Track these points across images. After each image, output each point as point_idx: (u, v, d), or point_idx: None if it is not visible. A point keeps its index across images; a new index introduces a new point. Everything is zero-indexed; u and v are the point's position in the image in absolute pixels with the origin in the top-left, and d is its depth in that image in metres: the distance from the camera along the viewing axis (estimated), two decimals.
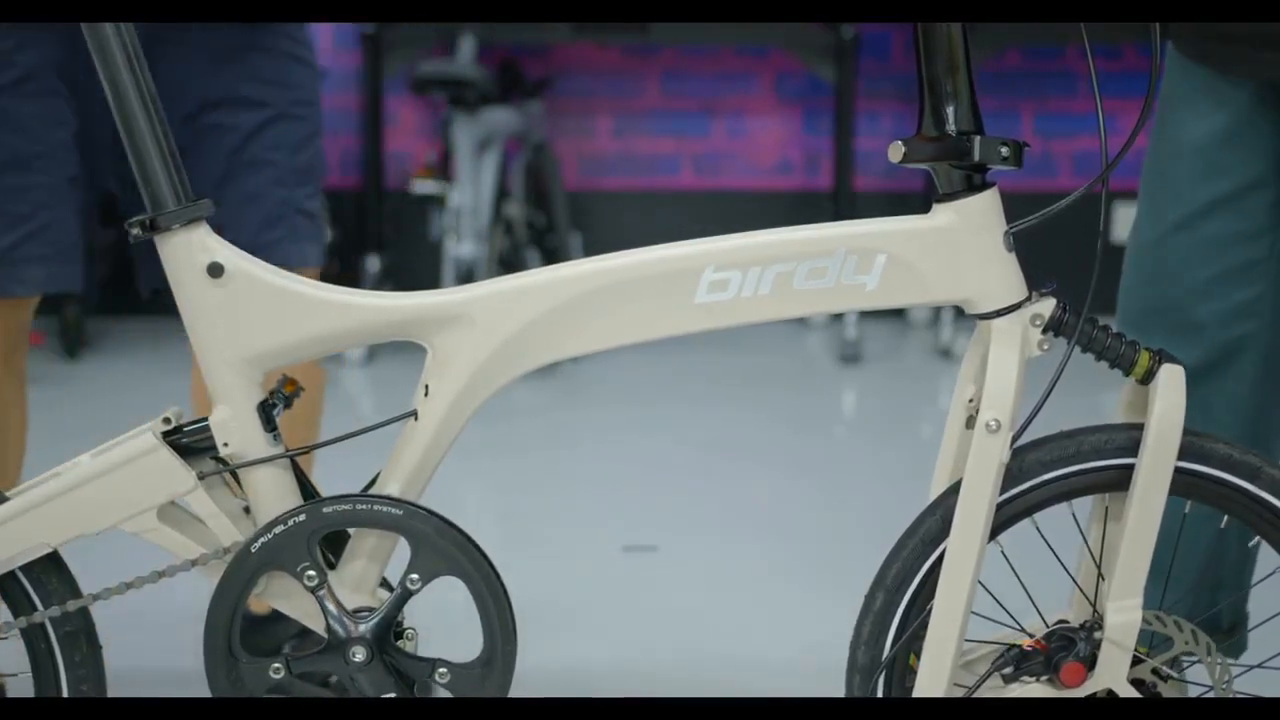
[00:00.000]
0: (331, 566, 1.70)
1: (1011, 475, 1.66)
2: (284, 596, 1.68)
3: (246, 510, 1.70)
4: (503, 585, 1.66)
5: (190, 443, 1.68)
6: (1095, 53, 1.64)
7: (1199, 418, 1.75)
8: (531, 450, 4.16)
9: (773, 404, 4.67)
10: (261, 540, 1.64)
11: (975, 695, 1.67)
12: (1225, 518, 1.72)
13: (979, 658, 1.73)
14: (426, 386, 1.66)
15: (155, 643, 2.58)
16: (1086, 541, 1.74)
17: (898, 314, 5.56)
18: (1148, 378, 1.65)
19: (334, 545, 1.71)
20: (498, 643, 1.66)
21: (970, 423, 1.65)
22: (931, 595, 1.64)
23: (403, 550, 1.68)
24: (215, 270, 1.64)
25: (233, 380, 1.66)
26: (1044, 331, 1.63)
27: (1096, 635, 1.66)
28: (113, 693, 1.76)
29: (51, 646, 1.71)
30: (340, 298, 1.66)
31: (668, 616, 3.00)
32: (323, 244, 2.31)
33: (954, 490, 1.64)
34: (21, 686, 1.75)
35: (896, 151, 1.61)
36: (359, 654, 1.65)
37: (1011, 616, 1.74)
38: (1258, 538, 1.72)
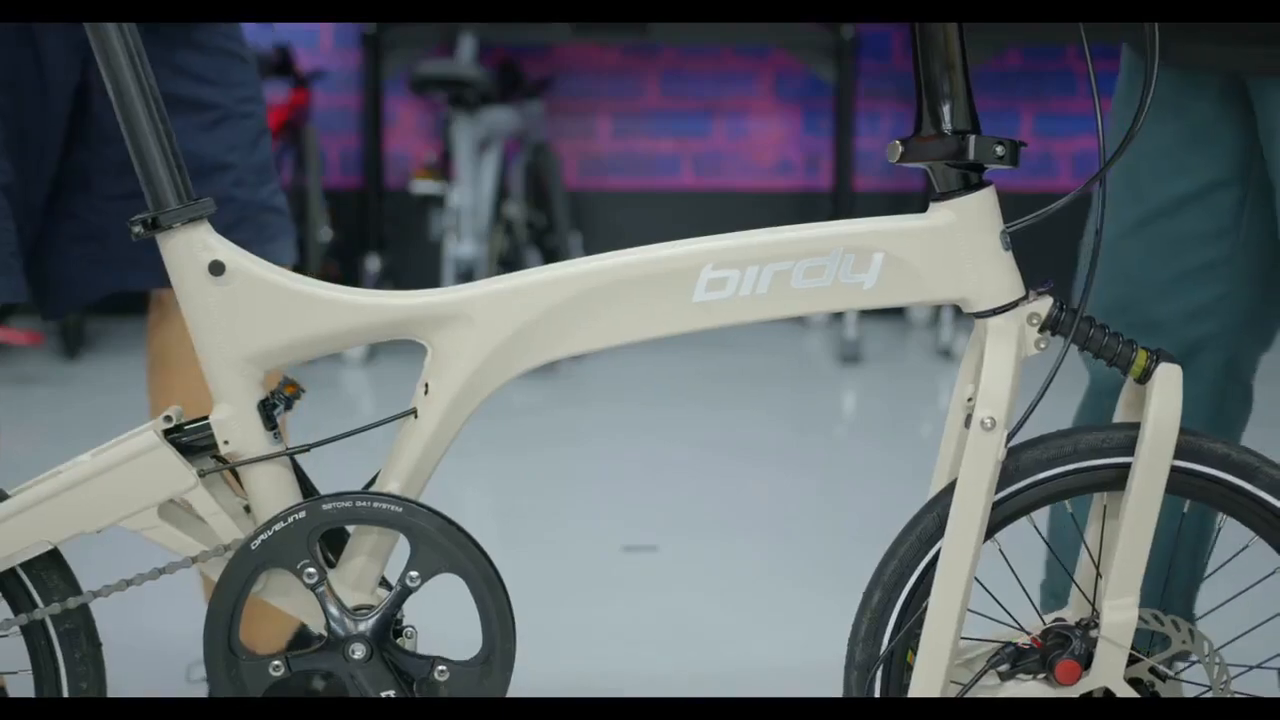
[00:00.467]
0: (331, 565, 1.70)
1: (1008, 474, 1.66)
2: (283, 594, 1.69)
3: (247, 509, 1.70)
4: (502, 583, 1.67)
5: (191, 441, 1.68)
6: (1094, 53, 1.65)
7: None
8: (531, 449, 4.17)
9: (773, 404, 4.68)
10: (261, 538, 1.64)
11: (971, 693, 1.68)
12: (1186, 505, 1.73)
13: (977, 656, 1.73)
14: (426, 385, 1.66)
15: (155, 643, 2.58)
16: (1084, 540, 1.74)
17: (898, 314, 5.56)
18: (1145, 376, 1.65)
19: (334, 544, 1.72)
20: (497, 641, 1.67)
21: (969, 422, 1.65)
22: (928, 592, 1.65)
23: (402, 550, 1.68)
24: (216, 269, 1.64)
25: (233, 379, 1.66)
26: (1041, 330, 1.64)
27: (1093, 633, 1.66)
28: (112, 691, 1.76)
29: (52, 644, 1.72)
30: (341, 296, 1.66)
31: (668, 616, 3.00)
32: (293, 238, 2.27)
33: (951, 488, 1.64)
34: (21, 685, 1.76)
35: (894, 151, 1.62)
36: (358, 651, 1.66)
37: (1009, 614, 1.74)
38: (1223, 526, 1.72)
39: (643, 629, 2.95)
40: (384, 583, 1.71)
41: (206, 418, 1.68)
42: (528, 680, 1.81)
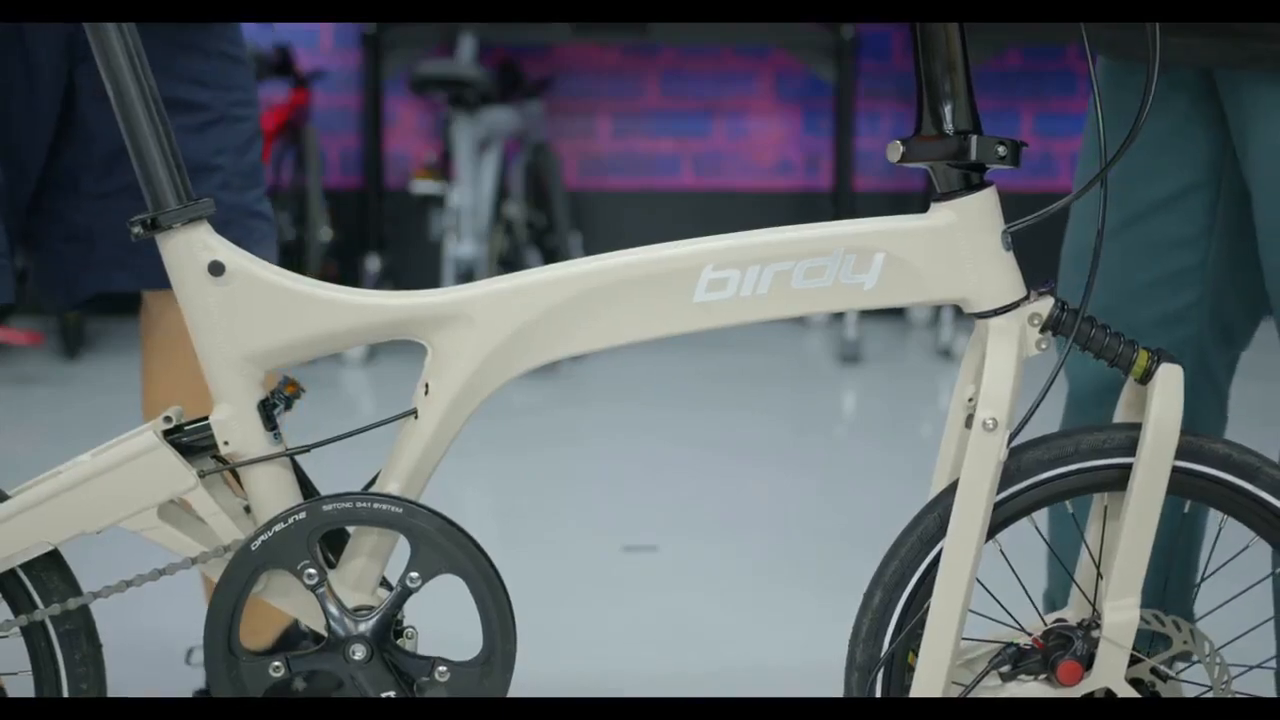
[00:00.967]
0: (332, 566, 1.70)
1: (1009, 474, 1.66)
2: (284, 594, 1.69)
3: (247, 509, 1.70)
4: (503, 583, 1.67)
5: (191, 441, 1.68)
6: (1094, 53, 1.64)
7: None
8: (531, 450, 4.17)
9: (773, 404, 4.68)
10: (262, 538, 1.64)
11: (973, 693, 1.67)
12: (1186, 505, 1.73)
13: (978, 656, 1.73)
14: (427, 385, 1.66)
15: (155, 643, 2.58)
16: (1085, 541, 1.74)
17: (898, 314, 5.56)
18: (1146, 377, 1.65)
19: (334, 545, 1.72)
20: (497, 641, 1.67)
21: (970, 422, 1.65)
22: (930, 593, 1.65)
23: (402, 551, 1.68)
24: (216, 269, 1.64)
25: (233, 379, 1.66)
26: (1042, 330, 1.64)
27: (1094, 634, 1.66)
28: (113, 692, 1.76)
29: (52, 645, 1.72)
30: (341, 297, 1.66)
31: (668, 616, 3.00)
32: (275, 245, 2.27)
33: (953, 489, 1.64)
34: (22, 685, 1.75)
35: (895, 151, 1.62)
36: (358, 652, 1.66)
37: (1010, 615, 1.74)
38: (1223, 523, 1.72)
39: (643, 629, 2.95)
40: (384, 583, 1.71)
41: (206, 418, 1.68)
42: (528, 680, 1.81)
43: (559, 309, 1.63)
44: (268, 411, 1.68)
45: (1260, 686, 1.91)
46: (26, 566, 1.70)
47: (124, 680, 1.85)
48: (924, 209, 1.64)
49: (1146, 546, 1.65)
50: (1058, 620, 1.72)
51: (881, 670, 1.69)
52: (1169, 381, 1.63)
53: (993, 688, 1.69)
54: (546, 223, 5.30)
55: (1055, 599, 2.09)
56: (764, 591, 3.14)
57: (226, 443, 1.67)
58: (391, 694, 1.66)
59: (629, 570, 3.27)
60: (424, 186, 5.18)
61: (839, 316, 5.24)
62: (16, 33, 2.00)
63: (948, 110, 1.59)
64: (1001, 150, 1.59)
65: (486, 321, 1.64)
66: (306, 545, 1.64)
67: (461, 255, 4.97)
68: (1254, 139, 1.86)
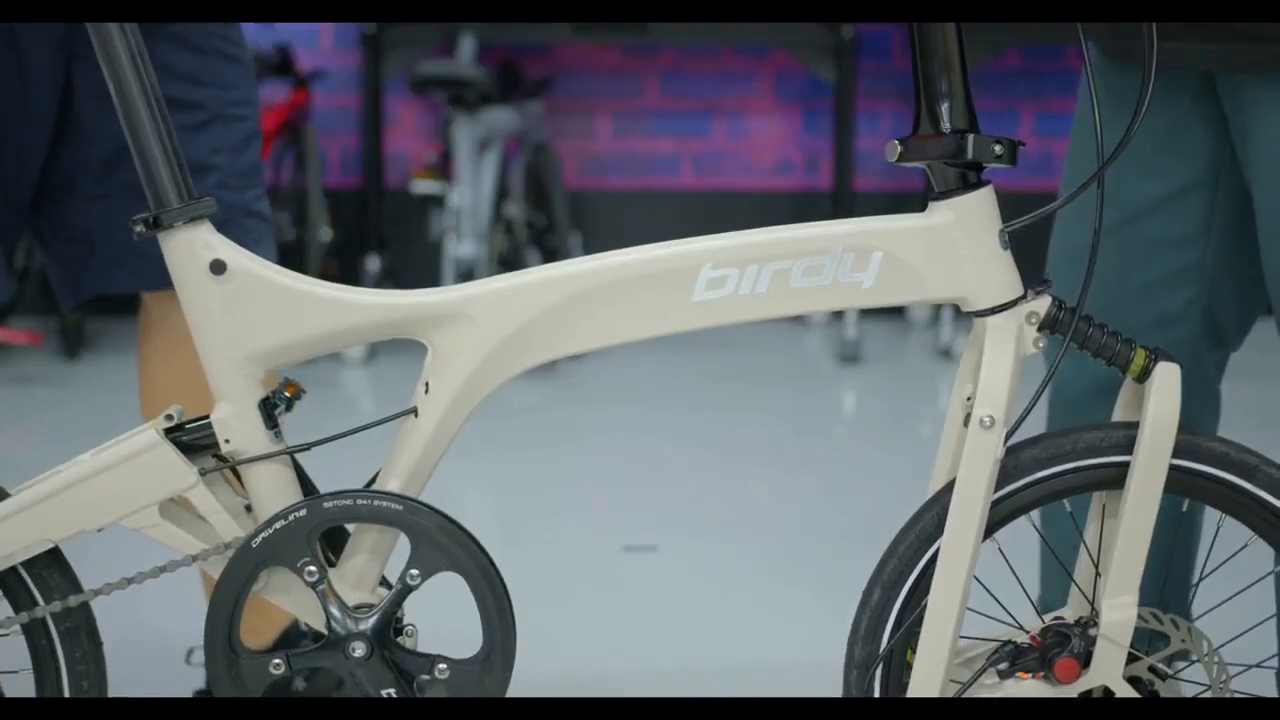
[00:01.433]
0: (332, 564, 1.70)
1: (1007, 472, 1.66)
2: (284, 592, 1.69)
3: (248, 508, 1.71)
4: (503, 581, 1.67)
5: (192, 440, 1.68)
6: (1089, 45, 1.65)
7: None
8: (531, 449, 4.17)
9: (773, 404, 4.68)
10: (262, 535, 1.64)
11: (971, 691, 1.68)
12: (1185, 504, 1.73)
13: (976, 655, 1.73)
14: (427, 384, 1.67)
15: (156, 642, 2.59)
16: (1084, 539, 1.74)
17: (898, 314, 5.56)
18: (1143, 376, 1.65)
19: (335, 544, 1.72)
20: (497, 639, 1.67)
21: (969, 421, 1.65)
22: (928, 591, 1.65)
23: (402, 551, 1.69)
24: (218, 268, 1.65)
25: (234, 377, 1.66)
26: (1040, 329, 1.64)
27: (1092, 632, 1.67)
28: (113, 690, 1.76)
29: (53, 642, 1.72)
30: (342, 296, 1.66)
31: (668, 616, 3.01)
32: (274, 244, 2.27)
33: (951, 487, 1.64)
34: (23, 684, 1.76)
35: (893, 151, 1.62)
36: (359, 649, 1.66)
37: (1009, 614, 1.74)
38: (1217, 520, 1.72)
39: (643, 629, 2.95)
40: (384, 582, 1.72)
41: (207, 417, 1.68)
42: (527, 680, 1.81)
43: (559, 308, 1.64)
44: (268, 410, 1.68)
45: (1259, 686, 1.91)
46: (27, 564, 1.70)
47: (124, 680, 1.85)
48: (923, 209, 1.65)
49: (1144, 545, 1.65)
50: (1056, 618, 1.72)
51: (880, 668, 1.69)
52: (1166, 380, 1.63)
53: (990, 685, 1.69)
54: (546, 223, 5.30)
55: (1050, 604, 2.09)
56: (764, 591, 3.15)
57: (227, 441, 1.67)
58: (391, 691, 1.67)
59: (629, 570, 3.27)
60: (424, 186, 5.18)
61: (839, 316, 5.25)
62: (11, 32, 2.00)
63: (945, 109, 1.60)
64: (998, 149, 1.59)
65: (487, 320, 1.64)
66: (307, 542, 1.65)
67: (461, 255, 4.97)
68: (1255, 139, 1.86)
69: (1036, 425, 1.70)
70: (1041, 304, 1.64)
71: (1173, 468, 1.65)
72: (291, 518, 1.64)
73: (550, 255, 5.19)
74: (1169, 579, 2.07)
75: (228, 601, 1.66)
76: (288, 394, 1.70)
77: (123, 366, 4.90)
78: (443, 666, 1.68)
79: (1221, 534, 1.75)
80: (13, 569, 1.70)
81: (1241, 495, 1.69)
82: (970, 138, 1.59)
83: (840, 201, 5.42)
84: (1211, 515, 1.75)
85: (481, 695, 1.67)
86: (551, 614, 2.94)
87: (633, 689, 2.65)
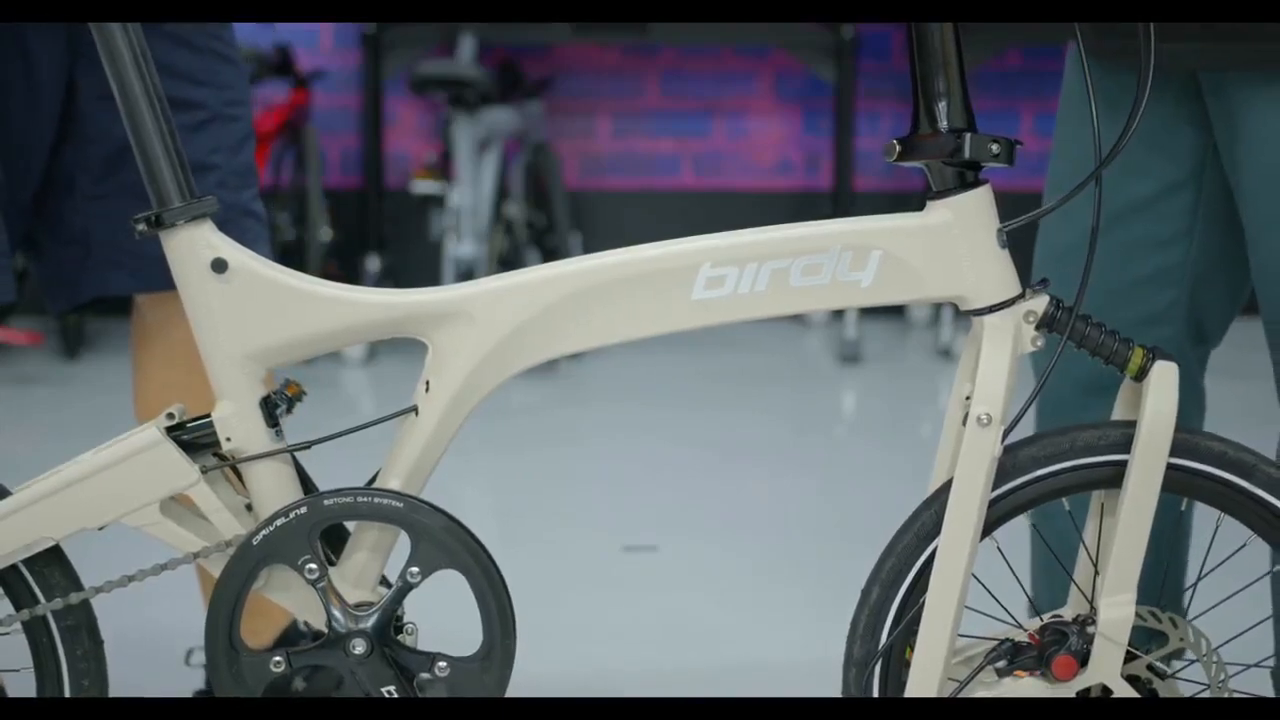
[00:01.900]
0: (332, 564, 1.70)
1: (1005, 471, 1.67)
2: (284, 590, 1.69)
3: (248, 507, 1.71)
4: (503, 579, 1.67)
5: (193, 438, 1.69)
6: (1084, 48, 1.65)
7: None
8: (531, 449, 4.17)
9: (773, 404, 4.68)
10: (263, 533, 1.65)
11: (969, 689, 1.68)
12: (1184, 503, 1.73)
13: (976, 653, 1.74)
14: (427, 382, 1.67)
15: (156, 641, 2.59)
16: (1083, 538, 1.74)
17: (898, 314, 5.57)
18: (1141, 374, 1.65)
19: (335, 544, 1.72)
20: (497, 637, 1.67)
21: (968, 419, 1.65)
22: (926, 589, 1.65)
23: (401, 552, 1.69)
24: (219, 266, 1.65)
25: (236, 376, 1.67)
26: (1037, 327, 1.64)
27: (1089, 630, 1.67)
28: (114, 689, 1.77)
29: (54, 641, 1.72)
30: (343, 294, 1.67)
31: (668, 616, 3.01)
32: (269, 244, 2.27)
33: (949, 486, 1.64)
34: (24, 683, 1.76)
35: (891, 150, 1.63)
36: (359, 647, 1.66)
37: (1007, 611, 1.74)
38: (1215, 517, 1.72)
39: (643, 629, 2.95)
40: (384, 581, 1.72)
41: (208, 415, 1.68)
42: (528, 680, 1.81)
43: (559, 306, 1.64)
44: (269, 409, 1.68)
45: (1258, 685, 1.91)
46: (29, 562, 1.71)
47: (124, 680, 1.85)
48: (923, 209, 1.65)
49: (1142, 543, 1.65)
50: (1054, 617, 1.72)
51: (879, 666, 1.69)
52: (1164, 379, 1.64)
53: (989, 684, 1.69)
54: (546, 223, 5.30)
55: (1041, 603, 2.09)
56: (764, 591, 3.15)
57: (228, 439, 1.67)
58: (391, 688, 1.67)
59: (629, 570, 3.27)
60: (424, 186, 5.18)
61: (839, 316, 5.25)
62: (16, 31, 2.00)
63: (942, 109, 1.60)
64: (995, 148, 1.60)
65: (487, 319, 1.65)
66: (308, 540, 1.65)
67: (461, 255, 4.97)
68: (1241, 137, 1.86)
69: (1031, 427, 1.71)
70: (1039, 303, 1.64)
71: (1171, 467, 1.65)
72: (292, 515, 1.65)
73: (550, 255, 5.19)
74: (1155, 575, 2.07)
75: (229, 599, 1.66)
76: (288, 394, 1.71)
77: (123, 366, 4.88)
78: (443, 664, 1.68)
79: (1220, 533, 1.75)
80: (14, 567, 1.70)
81: (1240, 494, 1.69)
82: (967, 137, 1.59)
83: (840, 201, 5.42)
84: (1205, 514, 1.75)
85: (481, 693, 1.68)
86: (551, 614, 2.94)
87: (633, 689, 2.65)
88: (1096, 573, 1.70)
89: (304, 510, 1.65)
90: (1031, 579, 2.14)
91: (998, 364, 1.62)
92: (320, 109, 5.48)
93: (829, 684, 1.76)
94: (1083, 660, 1.67)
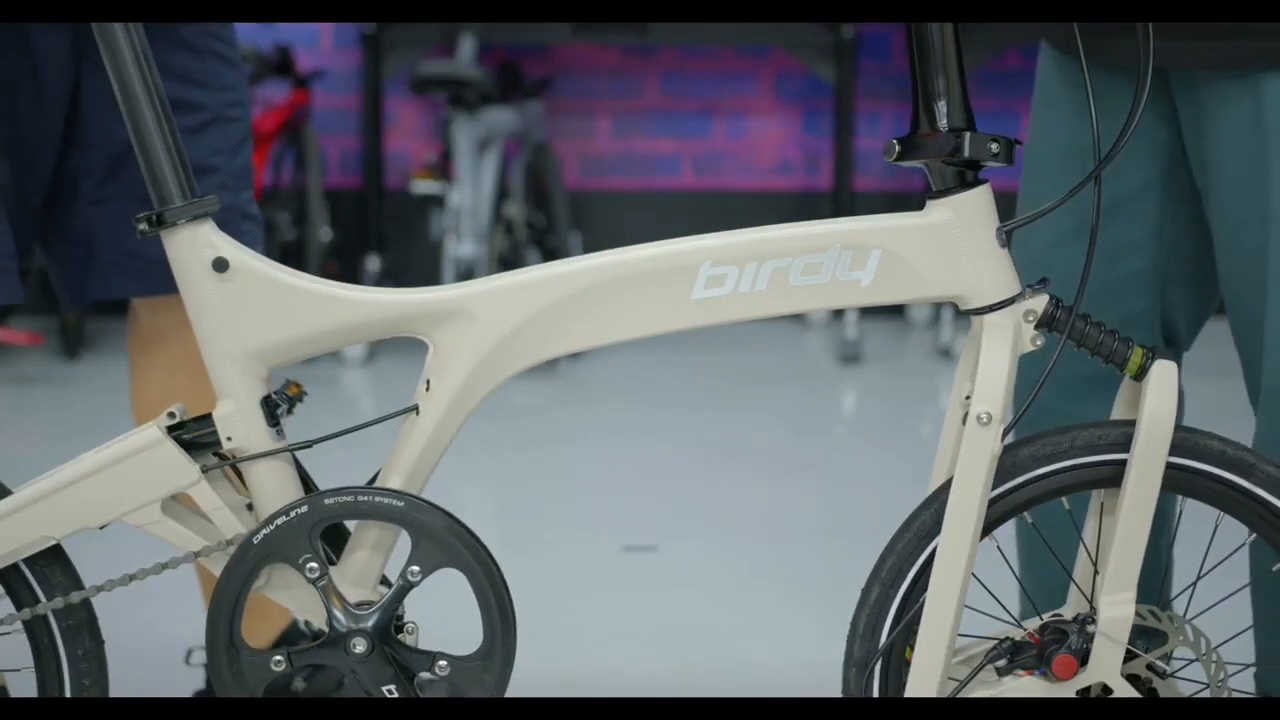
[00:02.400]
0: (333, 564, 1.71)
1: (1005, 470, 1.67)
2: (285, 588, 1.70)
3: (249, 507, 1.71)
4: (503, 578, 1.67)
5: (194, 438, 1.69)
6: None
7: None
8: (531, 449, 4.17)
9: (773, 404, 4.68)
10: (264, 531, 1.65)
11: (970, 688, 1.68)
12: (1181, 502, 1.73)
13: (977, 652, 1.74)
14: (428, 381, 1.67)
15: (157, 640, 2.59)
16: (1082, 537, 1.74)
17: (898, 314, 5.56)
18: (1141, 374, 1.66)
19: (336, 545, 1.72)
20: (498, 636, 1.67)
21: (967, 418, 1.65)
22: (926, 588, 1.65)
23: (401, 553, 1.69)
24: (220, 265, 1.66)
25: (236, 375, 1.67)
26: (1037, 326, 1.65)
27: (1089, 629, 1.67)
28: (114, 688, 1.77)
29: (55, 640, 1.73)
30: (343, 293, 1.67)
31: (667, 616, 3.01)
32: (264, 248, 2.26)
33: (949, 485, 1.64)
34: (25, 683, 1.76)
35: (891, 150, 1.63)
36: (359, 646, 1.66)
37: (1009, 612, 1.74)
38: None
39: (642, 629, 2.95)
40: (385, 581, 1.72)
41: (209, 415, 1.68)
42: (527, 680, 1.81)
43: (559, 305, 1.64)
44: (270, 408, 1.69)
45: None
46: (29, 561, 1.71)
47: (124, 680, 1.85)
48: (923, 209, 1.65)
49: (1141, 542, 1.65)
50: (1054, 615, 1.72)
51: (879, 666, 1.69)
52: (1163, 377, 1.64)
53: (989, 683, 1.69)
54: (546, 223, 5.30)
55: (1036, 602, 2.08)
56: (764, 591, 3.15)
57: (229, 438, 1.68)
58: (392, 687, 1.67)
59: (629, 570, 3.27)
60: (424, 186, 5.18)
61: (839, 316, 5.25)
62: (23, 31, 2.01)
63: (942, 108, 1.61)
64: (994, 148, 1.60)
65: (488, 317, 1.65)
66: (308, 539, 1.65)
67: (461, 255, 4.97)
68: (1207, 137, 1.86)
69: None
70: (1039, 302, 1.65)
71: (1171, 466, 1.65)
72: (293, 513, 1.65)
73: (550, 255, 5.19)
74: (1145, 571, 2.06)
75: (229, 598, 1.66)
76: (289, 394, 1.71)
77: (123, 366, 4.87)
78: (443, 663, 1.68)
79: (1219, 533, 1.75)
80: (15, 566, 1.71)
81: (1239, 494, 1.69)
82: (967, 136, 1.60)
83: (840, 202, 5.42)
84: (1206, 514, 1.75)
85: (482, 692, 1.68)
86: (551, 614, 2.94)
87: (633, 689, 2.65)
88: (1096, 572, 1.70)
89: (305, 509, 1.65)
90: (1022, 576, 2.14)
91: (997, 363, 1.62)
92: (320, 109, 5.48)
93: (829, 684, 1.76)
94: (1083, 659, 1.67)
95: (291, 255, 4.98)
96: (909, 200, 5.47)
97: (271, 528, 1.65)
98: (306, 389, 1.74)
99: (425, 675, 1.69)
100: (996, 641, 1.70)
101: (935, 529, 1.66)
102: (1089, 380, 1.88)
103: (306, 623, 1.73)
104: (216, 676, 1.68)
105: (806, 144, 5.75)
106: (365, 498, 1.65)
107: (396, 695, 1.67)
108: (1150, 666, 1.72)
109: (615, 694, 2.61)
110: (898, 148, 1.63)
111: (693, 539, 3.45)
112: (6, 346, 4.94)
